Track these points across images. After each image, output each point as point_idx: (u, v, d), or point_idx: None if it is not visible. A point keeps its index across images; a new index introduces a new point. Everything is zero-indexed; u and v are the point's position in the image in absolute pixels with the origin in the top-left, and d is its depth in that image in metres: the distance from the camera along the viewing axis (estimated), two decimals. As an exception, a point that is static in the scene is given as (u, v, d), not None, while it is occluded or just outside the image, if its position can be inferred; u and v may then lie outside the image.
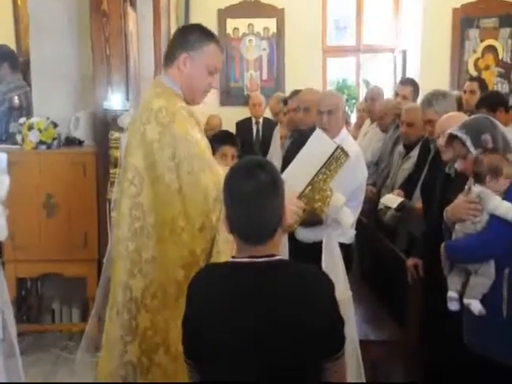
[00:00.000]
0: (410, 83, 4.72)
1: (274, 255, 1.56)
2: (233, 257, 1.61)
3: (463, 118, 2.83)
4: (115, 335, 2.06)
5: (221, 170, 2.09)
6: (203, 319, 1.54)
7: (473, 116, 2.61)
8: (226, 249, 1.99)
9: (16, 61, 4.77)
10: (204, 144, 2.13)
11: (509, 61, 6.51)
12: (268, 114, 6.05)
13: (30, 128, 3.86)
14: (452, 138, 2.46)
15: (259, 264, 1.53)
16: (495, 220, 2.25)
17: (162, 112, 2.04)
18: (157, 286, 2.04)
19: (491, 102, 3.84)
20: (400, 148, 3.95)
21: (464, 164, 2.43)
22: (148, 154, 2.04)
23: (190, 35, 2.15)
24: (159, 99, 2.09)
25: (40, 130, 3.88)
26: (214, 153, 2.95)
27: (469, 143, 2.37)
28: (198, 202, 2.02)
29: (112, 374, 2.05)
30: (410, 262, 2.97)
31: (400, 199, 3.48)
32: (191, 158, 2.02)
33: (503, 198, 2.26)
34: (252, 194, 1.50)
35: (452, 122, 2.72)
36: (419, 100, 4.20)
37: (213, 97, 6.30)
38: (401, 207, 3.49)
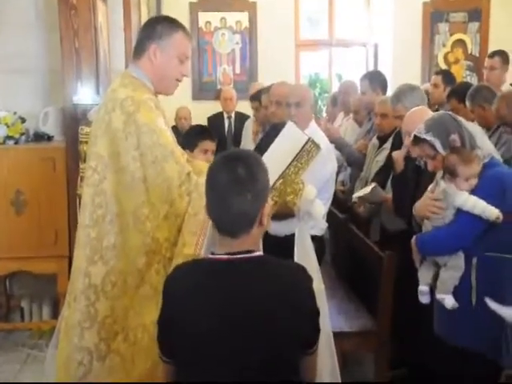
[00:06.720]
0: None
1: (251, 251, 1.54)
2: (212, 253, 1.59)
3: (427, 113, 2.82)
4: (73, 321, 2.04)
5: (185, 161, 2.10)
6: (180, 319, 1.52)
7: (435, 115, 2.57)
8: (192, 241, 1.99)
9: None
10: (169, 135, 2.11)
11: (477, 54, 6.60)
12: (240, 108, 6.02)
13: (-3, 123, 3.78)
14: (418, 139, 2.45)
15: (235, 261, 1.52)
16: (462, 213, 2.28)
17: (128, 101, 2.03)
18: (117, 274, 2.03)
19: (461, 93, 3.85)
20: (374, 140, 3.96)
21: (434, 164, 2.44)
22: (112, 143, 2.03)
23: (157, 25, 2.14)
24: (126, 89, 2.08)
25: (7, 125, 3.81)
26: (193, 148, 2.93)
27: (438, 145, 2.37)
28: (162, 191, 2.01)
29: (69, 357, 2.04)
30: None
31: (372, 185, 3.47)
32: (155, 147, 2.01)
33: (472, 193, 2.28)
34: (226, 186, 1.49)
35: (415, 118, 2.73)
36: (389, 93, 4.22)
37: (185, 91, 6.25)
38: (373, 198, 3.49)
